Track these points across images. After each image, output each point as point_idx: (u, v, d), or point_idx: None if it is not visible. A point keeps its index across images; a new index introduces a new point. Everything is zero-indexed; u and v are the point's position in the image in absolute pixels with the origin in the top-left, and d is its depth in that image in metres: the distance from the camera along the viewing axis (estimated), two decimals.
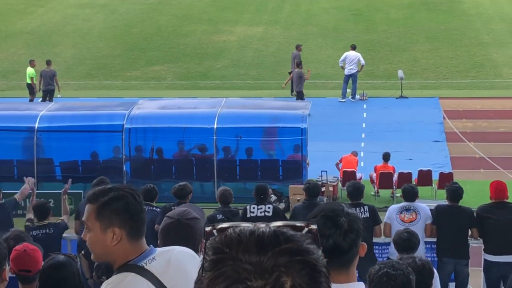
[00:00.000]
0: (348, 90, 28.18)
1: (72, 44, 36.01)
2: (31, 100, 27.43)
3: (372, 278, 4.66)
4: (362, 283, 3.62)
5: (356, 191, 11.89)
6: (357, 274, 3.85)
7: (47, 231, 11.13)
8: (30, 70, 28.01)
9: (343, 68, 28.19)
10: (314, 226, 1.66)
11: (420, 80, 30.58)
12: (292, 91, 27.80)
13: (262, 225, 1.62)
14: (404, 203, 11.92)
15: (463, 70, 29.16)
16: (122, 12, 42.30)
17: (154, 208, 12.09)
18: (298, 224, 1.66)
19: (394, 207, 12.06)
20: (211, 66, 33.12)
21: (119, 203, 3.60)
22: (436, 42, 35.30)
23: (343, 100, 28.11)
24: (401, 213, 11.75)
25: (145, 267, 3.53)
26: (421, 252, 11.69)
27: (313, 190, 12.09)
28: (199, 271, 1.61)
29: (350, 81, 28.09)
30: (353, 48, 28.66)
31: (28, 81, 28.02)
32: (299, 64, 27.08)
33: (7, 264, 4.55)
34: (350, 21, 39.22)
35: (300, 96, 26.52)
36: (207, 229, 1.66)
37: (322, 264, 1.58)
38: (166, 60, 34.04)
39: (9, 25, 40.09)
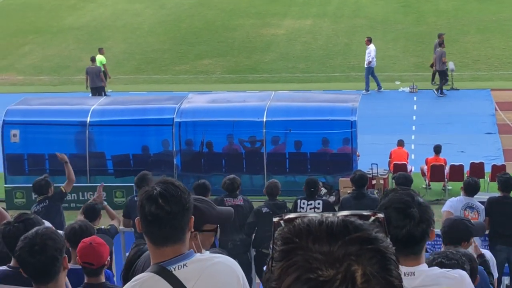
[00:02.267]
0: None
1: (122, 39, 36.33)
2: (102, 86, 27.83)
3: None
4: (425, 264, 3.71)
5: (404, 181, 12.02)
6: None
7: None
8: (100, 58, 28.58)
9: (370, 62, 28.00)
10: (381, 215, 1.66)
11: (471, 71, 30.19)
12: (433, 80, 27.93)
13: (329, 215, 1.61)
14: (468, 199, 11.59)
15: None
16: (171, 6, 42.53)
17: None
18: (365, 213, 1.65)
19: (459, 200, 11.67)
20: (260, 59, 33.13)
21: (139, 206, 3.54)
22: (487, 33, 34.82)
23: (367, 92, 27.99)
24: (465, 209, 11.57)
25: (173, 272, 3.42)
26: (478, 244, 11.57)
27: (359, 179, 12.07)
28: (268, 262, 1.61)
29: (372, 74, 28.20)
30: (370, 41, 28.38)
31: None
32: (441, 43, 27.52)
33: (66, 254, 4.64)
34: (399, 12, 38.88)
35: (443, 75, 26.95)
36: (275, 219, 1.65)
37: (391, 251, 1.57)
38: (214, 54, 34.14)
39: (60, 21, 40.60)
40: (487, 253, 7.94)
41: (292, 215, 1.64)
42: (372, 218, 1.64)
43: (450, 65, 28.05)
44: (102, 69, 28.32)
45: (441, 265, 4.51)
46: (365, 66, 27.99)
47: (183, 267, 3.45)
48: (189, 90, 25.93)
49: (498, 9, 38.40)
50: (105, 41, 36.37)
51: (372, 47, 27.94)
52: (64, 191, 12.47)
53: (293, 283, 1.51)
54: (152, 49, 35.24)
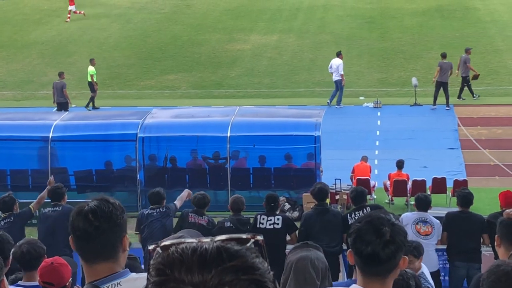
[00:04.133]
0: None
1: (88, 54, 36.14)
2: (92, 97, 28.60)
3: None
4: None
5: (359, 196, 12.06)
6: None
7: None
8: (91, 69, 29.06)
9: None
10: (260, 237, 1.63)
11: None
12: (459, 96, 28.44)
13: (206, 241, 1.58)
14: (419, 214, 11.77)
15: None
16: (137, 21, 42.48)
17: (161, 209, 12.30)
18: (244, 236, 1.63)
19: (409, 216, 11.93)
20: (225, 74, 33.17)
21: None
22: (451, 49, 35.08)
23: (338, 106, 28.35)
24: (417, 224, 11.67)
25: None
26: (435, 262, 11.66)
27: (319, 193, 12.06)
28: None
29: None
30: (337, 55, 28.78)
31: (89, 79, 29.02)
32: (467, 50, 28.55)
33: (4, 276, 4.65)
34: (364, 28, 39.19)
35: (465, 81, 27.75)
36: (150, 247, 1.64)
37: (268, 279, 1.53)
38: (180, 69, 34.13)
39: (25, 35, 40.34)
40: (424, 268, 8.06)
41: (167, 242, 1.61)
42: (252, 241, 1.61)
43: (413, 80, 28.30)
44: (90, 79, 28.65)
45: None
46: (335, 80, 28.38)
47: (117, 286, 3.41)
48: (154, 105, 25.86)
49: (461, 25, 38.85)
50: (71, 55, 36.22)
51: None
52: (33, 211, 12.51)
53: None
54: (118, 64, 35.14)
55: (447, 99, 27.44)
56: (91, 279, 3.44)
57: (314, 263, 4.85)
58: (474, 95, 28.37)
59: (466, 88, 28.40)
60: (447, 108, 27.50)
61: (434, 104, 27.63)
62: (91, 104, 28.84)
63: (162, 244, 1.63)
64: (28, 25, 42.45)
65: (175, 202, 12.93)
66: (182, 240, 1.60)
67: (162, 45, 37.90)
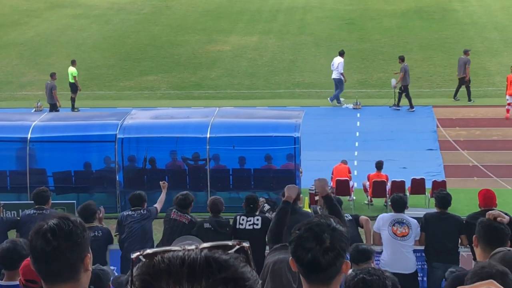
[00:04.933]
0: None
1: (66, 54, 35.99)
2: (72, 98, 28.54)
3: (348, 285, 4.62)
4: None
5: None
6: None
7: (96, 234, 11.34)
8: (72, 70, 29.08)
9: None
10: (246, 244, 1.60)
11: (414, 89, 30.55)
12: (455, 96, 28.57)
13: (192, 249, 1.54)
14: (396, 215, 11.81)
15: (456, 78, 29.16)
16: (117, 22, 42.35)
17: (142, 211, 12.28)
18: (230, 243, 1.59)
19: (385, 217, 11.95)
20: (205, 76, 33.14)
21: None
22: (430, 51, 35.38)
23: (338, 104, 28.52)
24: (393, 225, 11.68)
25: None
26: (412, 264, 11.70)
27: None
28: None
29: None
30: (339, 54, 28.96)
31: (71, 80, 29.01)
32: (466, 51, 28.67)
33: None
34: (344, 30, 39.30)
35: (463, 82, 28.05)
36: (133, 256, 1.56)
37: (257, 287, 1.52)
38: (160, 70, 34.06)
39: (3, 36, 40.10)
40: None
41: (150, 251, 1.55)
42: (237, 247, 1.58)
43: (393, 82, 28.41)
44: (72, 80, 28.62)
45: (363, 281, 4.52)
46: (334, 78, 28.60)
47: None
48: (134, 106, 25.79)
49: (440, 27, 39.07)
50: (49, 56, 36.04)
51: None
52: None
53: None
54: (97, 64, 35.00)
55: (410, 100, 27.77)
56: None
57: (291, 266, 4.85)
58: (471, 99, 28.38)
59: (461, 89, 28.44)
60: (411, 110, 27.72)
61: (398, 105, 27.99)
62: (73, 105, 28.70)
63: (146, 252, 1.56)
64: (6, 25, 42.20)
65: (155, 206, 12.93)
66: (167, 248, 1.55)
67: (141, 46, 37.80)
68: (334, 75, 28.64)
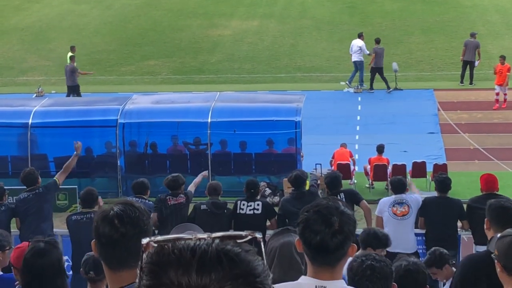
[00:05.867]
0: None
1: (68, 40, 35.92)
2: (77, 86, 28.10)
3: (355, 271, 4.60)
4: (342, 280, 3.57)
5: (333, 181, 12.10)
6: None
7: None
8: (70, 55, 28.67)
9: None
10: (258, 235, 1.58)
11: (415, 72, 30.58)
12: (462, 80, 28.39)
13: (204, 239, 1.52)
14: (396, 196, 11.88)
15: (458, 61, 29.08)
16: (118, 7, 42.25)
17: (146, 201, 12.23)
18: (243, 234, 1.58)
19: (385, 200, 12.06)
20: (206, 60, 33.09)
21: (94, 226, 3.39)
22: (431, 34, 35.29)
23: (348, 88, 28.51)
24: (393, 206, 11.75)
25: None
26: (413, 244, 11.75)
27: (295, 180, 12.14)
28: (137, 279, 1.54)
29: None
30: (358, 36, 28.83)
31: None
32: (474, 34, 28.39)
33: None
34: (345, 13, 39.18)
35: (472, 65, 27.74)
36: (144, 242, 1.55)
37: (268, 284, 1.51)
38: (161, 55, 34.02)
39: (4, 22, 40.04)
40: None
41: (161, 238, 1.54)
42: (249, 237, 1.57)
43: (394, 65, 28.36)
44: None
45: (371, 268, 4.52)
46: (355, 61, 28.46)
47: None
48: (135, 91, 25.77)
49: (442, 10, 38.93)
50: (50, 41, 36.00)
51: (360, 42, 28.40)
52: (58, 182, 12.43)
53: None
54: (98, 49, 34.96)
55: (386, 82, 27.71)
56: (114, 286, 3.31)
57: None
58: (473, 82, 28.37)
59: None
60: (388, 91, 27.73)
61: (371, 88, 28.06)
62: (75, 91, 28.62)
63: (157, 239, 1.54)
64: (8, 11, 42.12)
65: (189, 188, 12.88)
66: (179, 236, 1.53)
67: (142, 30, 37.74)
68: (355, 57, 28.42)
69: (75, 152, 12.61)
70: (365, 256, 4.63)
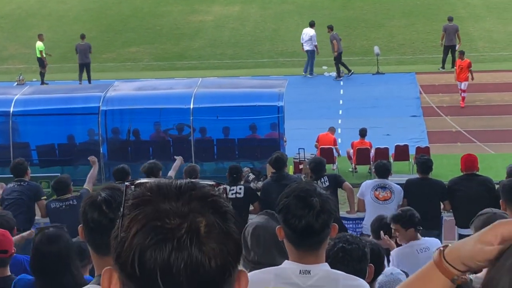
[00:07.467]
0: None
1: (48, 27, 35.70)
2: (42, 73, 28.30)
3: (327, 254, 4.60)
4: (326, 263, 3.58)
5: (317, 166, 12.15)
6: None
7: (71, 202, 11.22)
8: (39, 44, 28.63)
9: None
10: (224, 186, 1.75)
11: (397, 55, 30.62)
12: (443, 65, 28.26)
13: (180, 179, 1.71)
14: (379, 180, 11.91)
15: (439, 44, 29.16)
16: None
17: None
18: (210, 182, 1.73)
19: (368, 183, 12.07)
20: (188, 46, 32.99)
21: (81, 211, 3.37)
22: (412, 17, 35.34)
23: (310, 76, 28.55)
24: (376, 190, 11.77)
25: None
26: None
27: (276, 162, 12.17)
28: (118, 221, 1.67)
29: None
30: (310, 25, 28.81)
31: (38, 55, 28.61)
32: (451, 18, 28.39)
33: None
34: None
35: (453, 49, 27.64)
36: (127, 183, 1.69)
37: (231, 212, 1.67)
38: (142, 41, 33.87)
39: None
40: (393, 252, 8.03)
41: (143, 180, 1.69)
42: (217, 188, 1.72)
43: (375, 49, 28.41)
44: (39, 55, 28.43)
45: (343, 250, 4.49)
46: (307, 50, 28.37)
47: None
48: (116, 78, 25.66)
49: None
50: (30, 29, 35.72)
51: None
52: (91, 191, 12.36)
53: (141, 230, 1.59)
54: (78, 37, 34.65)
55: (338, 70, 27.91)
56: (101, 272, 3.32)
57: (256, 230, 4.63)
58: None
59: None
60: (339, 79, 27.93)
61: (349, 72, 28.10)
62: (42, 79, 28.49)
63: (138, 181, 1.69)
64: None
65: (169, 174, 12.88)
66: (158, 179, 1.69)
67: (123, 17, 37.54)
68: (307, 46, 28.39)
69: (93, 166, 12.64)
70: (338, 238, 4.59)
